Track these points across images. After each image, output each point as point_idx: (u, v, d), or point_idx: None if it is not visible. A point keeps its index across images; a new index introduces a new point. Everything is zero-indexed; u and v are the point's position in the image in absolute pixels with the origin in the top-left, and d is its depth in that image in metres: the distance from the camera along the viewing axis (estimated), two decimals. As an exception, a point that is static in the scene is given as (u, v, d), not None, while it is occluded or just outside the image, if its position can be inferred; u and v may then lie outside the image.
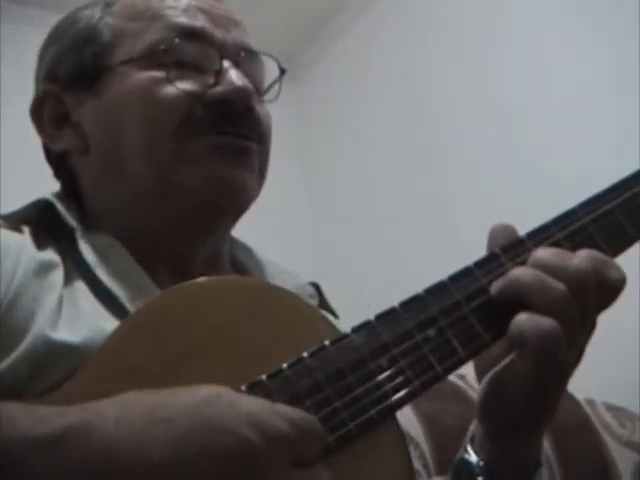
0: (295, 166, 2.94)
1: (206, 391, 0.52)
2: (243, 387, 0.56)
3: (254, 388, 0.56)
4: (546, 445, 1.20)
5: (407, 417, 1.18)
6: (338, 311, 0.85)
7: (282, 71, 0.85)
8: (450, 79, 2.41)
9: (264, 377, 0.56)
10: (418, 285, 0.62)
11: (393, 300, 0.61)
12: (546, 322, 0.58)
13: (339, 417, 0.56)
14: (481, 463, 0.65)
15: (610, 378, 1.51)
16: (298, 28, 2.91)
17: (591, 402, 1.33)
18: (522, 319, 0.59)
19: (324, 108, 2.98)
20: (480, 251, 0.64)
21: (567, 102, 2.02)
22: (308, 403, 0.55)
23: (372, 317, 0.60)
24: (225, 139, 0.76)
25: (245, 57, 0.80)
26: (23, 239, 0.73)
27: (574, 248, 0.62)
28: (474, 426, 0.68)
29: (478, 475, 0.64)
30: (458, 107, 2.37)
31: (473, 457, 0.65)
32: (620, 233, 0.65)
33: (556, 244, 0.63)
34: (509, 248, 0.63)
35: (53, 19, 0.88)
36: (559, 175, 1.92)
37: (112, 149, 0.78)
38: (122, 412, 0.50)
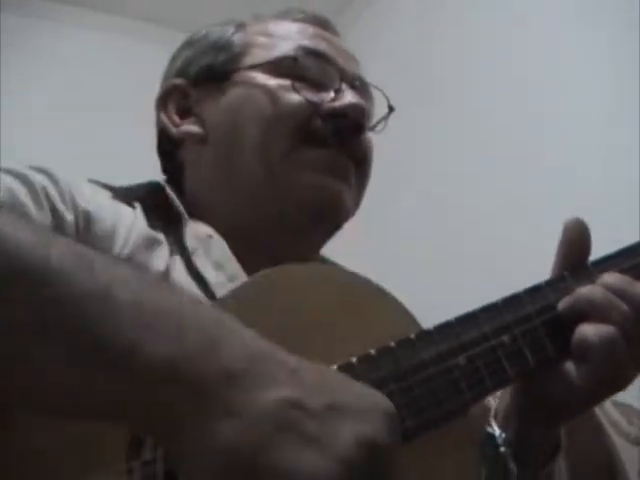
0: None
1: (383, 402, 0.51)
2: (334, 367, 0.58)
3: (344, 369, 0.58)
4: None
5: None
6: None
7: (390, 108, 0.95)
8: (460, 72, 2.41)
9: (354, 360, 0.59)
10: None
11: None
12: (608, 329, 0.62)
13: (418, 405, 0.59)
14: (503, 435, 0.68)
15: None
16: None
17: (598, 399, 1.32)
18: (585, 327, 0.64)
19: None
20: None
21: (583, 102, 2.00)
22: (392, 387, 0.58)
23: (452, 319, 0.64)
24: (336, 154, 0.82)
25: (359, 87, 0.88)
26: (135, 213, 0.78)
27: (636, 279, 0.67)
28: (497, 405, 0.72)
29: (501, 446, 0.68)
30: (467, 106, 2.36)
31: (496, 430, 0.69)
32: None
33: (620, 272, 0.67)
34: (575, 272, 0.68)
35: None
36: (590, 181, 1.91)
37: (229, 142, 0.84)
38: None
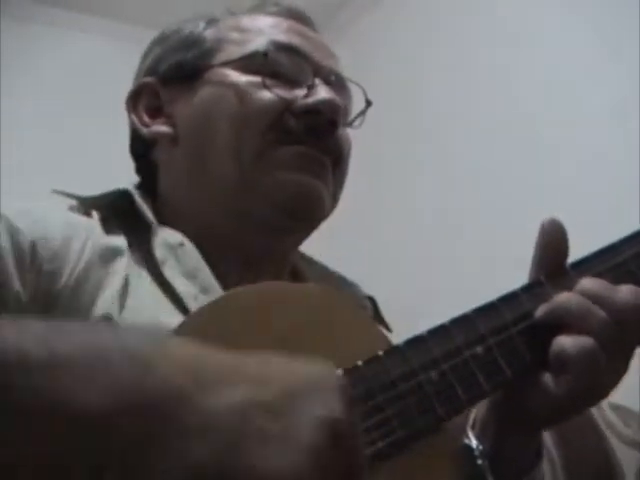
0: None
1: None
2: None
3: None
4: (549, 444, 1.19)
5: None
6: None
7: (368, 103, 0.91)
8: (455, 81, 2.41)
9: None
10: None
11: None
12: (587, 341, 0.60)
13: (390, 425, 0.57)
14: (480, 447, 0.66)
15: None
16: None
17: (596, 401, 1.33)
18: (564, 338, 0.61)
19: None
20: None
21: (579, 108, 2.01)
22: (361, 408, 0.56)
23: (424, 332, 0.61)
24: (310, 151, 0.80)
25: (335, 82, 0.85)
26: (91, 223, 0.76)
27: (616, 281, 0.64)
28: (475, 414, 0.69)
29: (477, 458, 0.66)
30: (462, 106, 2.37)
31: (473, 442, 0.67)
32: None
33: (598, 275, 0.65)
34: (553, 276, 0.66)
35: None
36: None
37: (201, 142, 0.81)
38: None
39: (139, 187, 0.86)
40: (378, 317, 0.85)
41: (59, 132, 2.70)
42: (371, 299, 0.86)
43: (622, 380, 0.64)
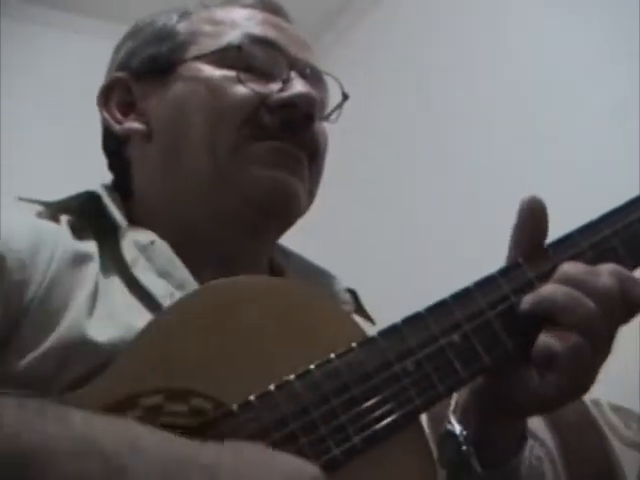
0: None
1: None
2: (272, 387, 0.56)
3: (282, 388, 0.56)
4: (551, 445, 1.19)
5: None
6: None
7: (345, 96, 0.89)
8: (456, 80, 2.41)
9: (293, 377, 0.56)
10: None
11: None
12: (574, 339, 0.59)
13: (366, 419, 0.56)
14: (464, 433, 0.65)
15: (614, 379, 1.50)
16: (302, 29, 2.92)
17: (597, 403, 1.33)
18: (549, 336, 0.60)
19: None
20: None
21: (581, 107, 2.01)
22: (335, 403, 0.56)
23: (398, 321, 0.60)
24: (285, 146, 0.78)
25: (311, 75, 0.83)
26: (59, 229, 0.73)
27: (596, 259, 0.63)
28: (457, 399, 0.69)
29: (462, 444, 0.65)
30: (462, 107, 2.37)
31: (457, 427, 0.66)
32: None
33: (579, 254, 0.64)
34: (531, 256, 0.64)
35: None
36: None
37: (174, 138, 0.80)
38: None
39: (112, 186, 0.84)
40: (360, 309, 0.84)
41: (59, 131, 2.69)
42: (352, 292, 0.85)
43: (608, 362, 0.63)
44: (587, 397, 1.33)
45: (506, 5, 2.30)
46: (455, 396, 0.68)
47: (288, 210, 0.80)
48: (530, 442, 1.18)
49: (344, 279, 0.87)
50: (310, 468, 0.48)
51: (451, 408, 0.68)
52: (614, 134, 1.85)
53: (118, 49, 0.89)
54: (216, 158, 0.77)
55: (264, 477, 0.46)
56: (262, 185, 0.77)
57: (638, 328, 1.55)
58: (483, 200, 2.20)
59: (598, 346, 0.60)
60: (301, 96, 0.78)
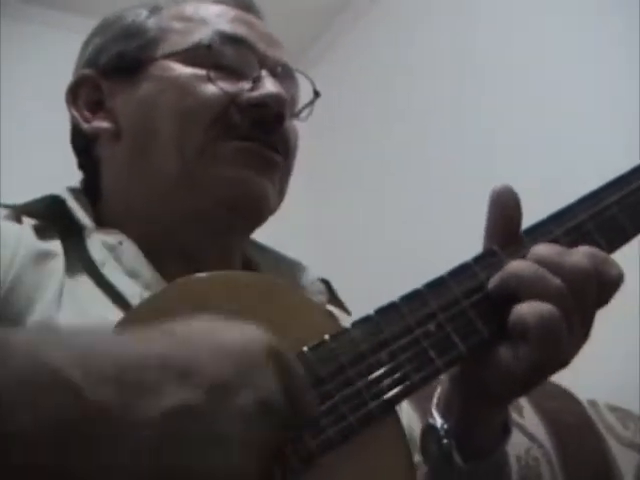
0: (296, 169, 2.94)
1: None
2: None
3: None
4: (549, 446, 1.19)
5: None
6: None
7: (316, 93, 0.88)
8: (450, 81, 2.41)
9: None
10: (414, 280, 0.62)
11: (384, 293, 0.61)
12: (545, 307, 0.57)
13: (340, 411, 0.55)
14: (445, 426, 0.65)
15: (611, 379, 1.51)
16: (297, 31, 2.91)
17: (594, 403, 1.33)
18: (522, 306, 0.58)
19: (324, 111, 2.98)
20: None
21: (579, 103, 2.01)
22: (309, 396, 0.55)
23: (372, 312, 0.59)
24: (255, 146, 0.78)
25: (282, 73, 0.82)
26: (22, 229, 0.73)
27: (572, 244, 0.62)
28: (439, 392, 0.68)
29: (443, 438, 0.64)
30: (460, 107, 2.37)
31: (438, 421, 0.65)
32: (618, 229, 0.65)
33: (554, 240, 0.63)
34: (507, 244, 0.63)
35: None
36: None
37: (143, 137, 0.79)
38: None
39: (82, 186, 0.84)
40: (335, 300, 0.83)
41: (59, 131, 2.69)
42: (326, 282, 0.85)
43: (582, 349, 0.62)
44: (584, 398, 1.33)
45: (505, 6, 2.30)
46: (437, 390, 0.68)
47: (256, 210, 0.79)
48: (528, 444, 1.18)
49: (320, 271, 0.86)
50: (258, 342, 0.48)
51: (434, 401, 0.67)
52: (614, 134, 1.85)
53: (86, 45, 0.88)
54: (184, 158, 0.77)
55: (218, 363, 0.45)
56: (229, 185, 0.76)
57: (638, 328, 1.56)
58: (462, 198, 2.20)
59: (570, 321, 0.58)
60: (272, 96, 0.78)
